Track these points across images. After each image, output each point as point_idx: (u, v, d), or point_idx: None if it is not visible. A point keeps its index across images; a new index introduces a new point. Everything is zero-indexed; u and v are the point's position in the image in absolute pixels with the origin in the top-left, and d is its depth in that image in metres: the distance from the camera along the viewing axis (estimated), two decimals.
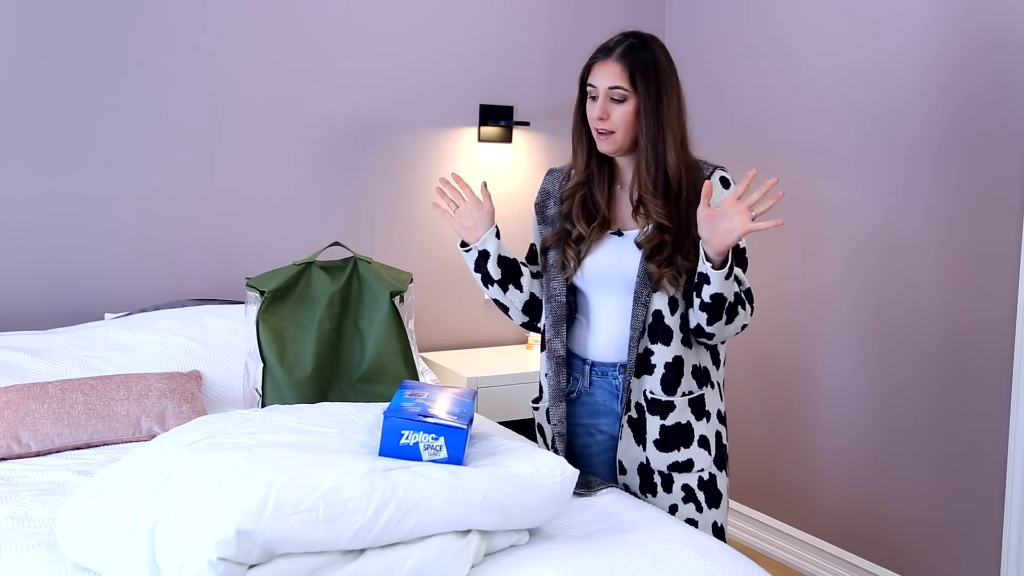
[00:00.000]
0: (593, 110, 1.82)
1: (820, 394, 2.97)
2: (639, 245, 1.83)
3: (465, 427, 1.58)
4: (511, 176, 3.33)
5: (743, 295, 1.84)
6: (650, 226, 1.81)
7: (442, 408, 1.64)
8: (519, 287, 1.97)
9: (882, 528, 2.78)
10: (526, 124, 3.30)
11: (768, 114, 3.10)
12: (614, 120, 1.80)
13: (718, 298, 1.74)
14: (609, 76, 1.79)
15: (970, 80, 2.49)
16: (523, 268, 1.99)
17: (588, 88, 1.84)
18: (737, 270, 1.81)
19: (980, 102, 2.47)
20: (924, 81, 2.60)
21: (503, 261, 1.94)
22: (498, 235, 1.93)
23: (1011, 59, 2.39)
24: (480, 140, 3.24)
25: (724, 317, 1.77)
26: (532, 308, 2.01)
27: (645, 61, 1.79)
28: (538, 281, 2.00)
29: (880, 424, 2.77)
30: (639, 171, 1.82)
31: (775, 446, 3.14)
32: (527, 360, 3.13)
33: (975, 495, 2.52)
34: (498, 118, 3.25)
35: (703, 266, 1.72)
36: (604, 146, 1.83)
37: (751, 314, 1.86)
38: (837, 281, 2.88)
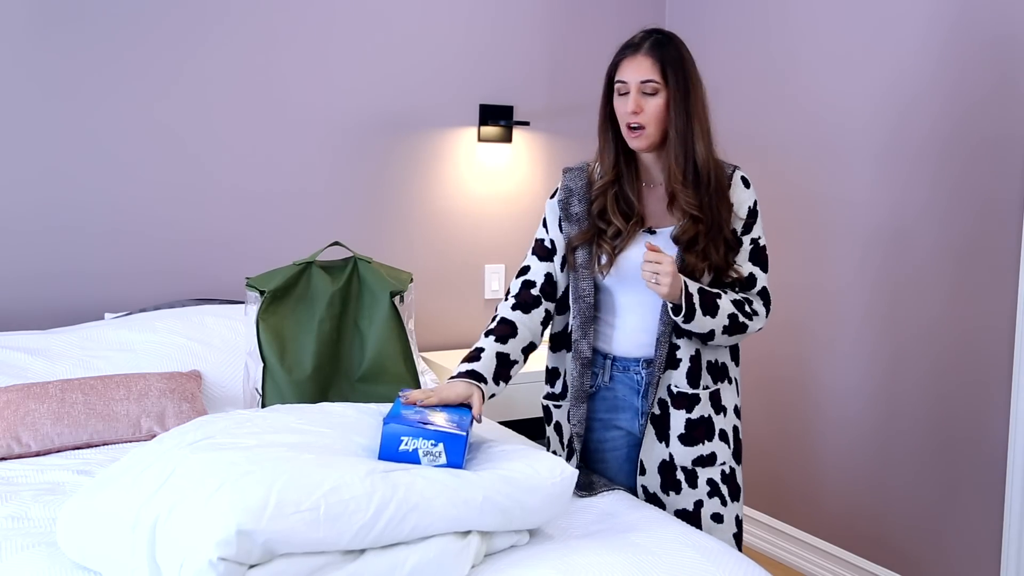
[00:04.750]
0: (625, 105, 1.81)
1: (823, 395, 2.97)
2: (676, 240, 1.84)
3: (464, 434, 1.57)
4: (511, 176, 3.33)
5: (749, 306, 1.87)
6: (684, 220, 1.83)
7: (441, 415, 1.64)
8: (523, 360, 1.91)
9: (884, 529, 2.78)
10: (526, 124, 3.30)
11: (768, 114, 3.10)
12: (647, 114, 1.80)
13: (693, 333, 1.83)
14: (640, 70, 1.80)
15: (975, 80, 2.48)
16: (510, 354, 1.87)
17: (617, 84, 1.84)
18: (724, 299, 1.83)
19: (985, 102, 2.47)
20: (929, 81, 2.60)
21: (499, 374, 1.85)
22: (485, 381, 1.81)
23: (1015, 59, 2.39)
24: (480, 140, 3.24)
25: (726, 336, 1.84)
26: (533, 346, 1.94)
27: (673, 55, 1.82)
28: (528, 329, 1.90)
29: (882, 426, 2.77)
30: (669, 163, 1.83)
31: (777, 447, 3.14)
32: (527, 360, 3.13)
33: (976, 496, 2.52)
34: (498, 118, 3.25)
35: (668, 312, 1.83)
36: (636, 142, 1.83)
37: (767, 315, 1.90)
38: (840, 283, 2.88)
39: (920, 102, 2.62)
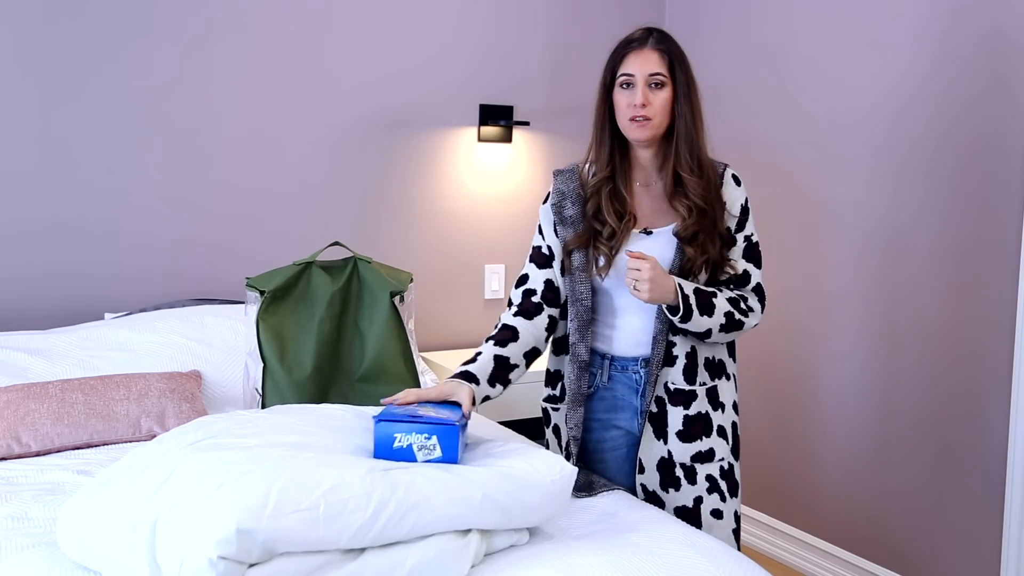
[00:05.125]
0: (631, 97, 1.82)
1: (821, 395, 2.97)
2: (678, 234, 1.85)
3: (456, 424, 1.57)
4: (511, 176, 3.33)
5: (744, 303, 1.89)
6: (689, 213, 1.84)
7: (431, 410, 1.64)
8: (524, 364, 1.90)
9: (883, 528, 2.78)
10: (526, 124, 3.30)
11: (767, 114, 3.10)
12: (654, 106, 1.82)
13: (689, 332, 1.85)
14: (648, 63, 1.82)
15: (971, 80, 2.49)
16: (510, 358, 1.87)
17: (622, 78, 1.84)
18: (720, 297, 1.84)
19: (980, 101, 2.47)
20: (925, 81, 2.60)
21: (496, 377, 1.84)
22: (477, 382, 1.80)
23: (1010, 58, 2.39)
24: (480, 140, 3.25)
25: (723, 334, 1.86)
26: (537, 351, 1.94)
27: (676, 50, 1.86)
28: (531, 334, 1.90)
29: (881, 425, 2.77)
30: (678, 151, 1.85)
31: (776, 446, 3.14)
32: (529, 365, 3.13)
33: (976, 495, 2.52)
34: (498, 118, 3.25)
35: (664, 312, 1.85)
36: (640, 133, 1.83)
37: (762, 311, 1.92)
38: (840, 283, 2.88)
39: (916, 101, 2.62)
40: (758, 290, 1.93)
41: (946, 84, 2.54)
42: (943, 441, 2.60)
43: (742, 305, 1.88)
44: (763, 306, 1.93)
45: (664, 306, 1.81)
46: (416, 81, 3.12)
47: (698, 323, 1.81)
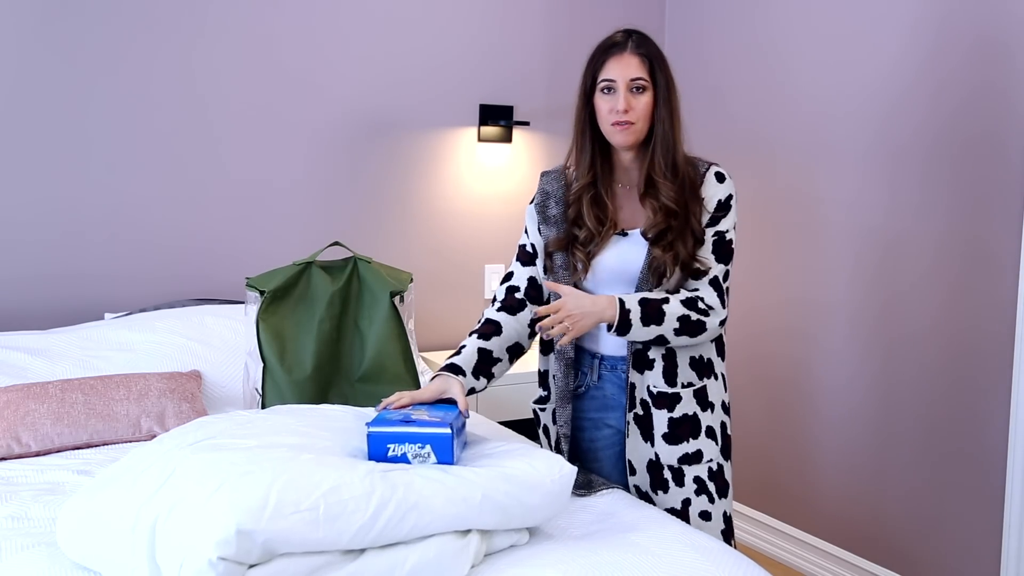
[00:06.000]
0: (613, 103, 1.82)
1: (820, 395, 2.97)
2: (645, 235, 1.84)
3: (449, 431, 1.56)
4: (511, 176, 3.33)
5: (703, 303, 1.83)
6: (657, 213, 1.83)
7: (424, 413, 1.62)
8: (507, 359, 1.93)
9: (882, 528, 2.78)
10: (526, 124, 3.30)
11: (766, 114, 3.10)
12: (636, 111, 1.82)
13: (640, 341, 1.82)
14: (629, 68, 1.82)
15: (968, 79, 2.49)
16: (493, 351, 1.89)
17: (603, 83, 1.84)
18: (673, 302, 1.80)
19: (979, 101, 2.47)
20: (921, 82, 2.60)
21: (480, 370, 1.86)
22: (464, 374, 1.83)
23: (1008, 57, 2.39)
24: (480, 140, 3.25)
25: (685, 337, 1.82)
26: (520, 347, 1.96)
27: (656, 53, 1.86)
28: (513, 330, 1.92)
29: (880, 424, 2.77)
30: (653, 156, 1.84)
31: (775, 446, 3.14)
32: (527, 360, 3.13)
33: (975, 494, 2.52)
34: (498, 118, 3.25)
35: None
36: (623, 138, 1.84)
37: (724, 306, 1.85)
38: (836, 282, 2.89)
39: (911, 101, 2.61)
40: (715, 283, 1.85)
41: (942, 83, 2.54)
42: (941, 440, 2.60)
43: (699, 305, 1.82)
44: (722, 300, 1.85)
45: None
46: (416, 81, 3.12)
47: (639, 333, 1.78)
